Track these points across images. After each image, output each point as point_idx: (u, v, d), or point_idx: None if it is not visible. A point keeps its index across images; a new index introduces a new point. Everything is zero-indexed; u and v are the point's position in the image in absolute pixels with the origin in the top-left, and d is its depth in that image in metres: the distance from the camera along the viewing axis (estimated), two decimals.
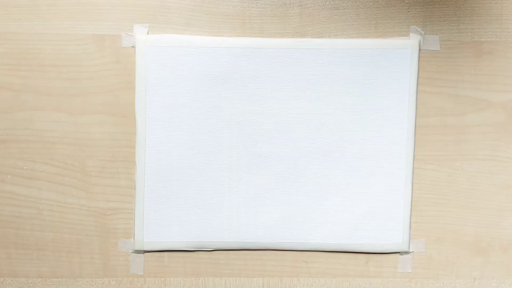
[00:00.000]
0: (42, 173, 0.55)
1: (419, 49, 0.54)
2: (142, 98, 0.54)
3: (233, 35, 0.54)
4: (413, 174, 0.55)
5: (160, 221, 0.55)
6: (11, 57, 0.54)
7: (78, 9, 0.53)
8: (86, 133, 0.54)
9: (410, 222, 0.55)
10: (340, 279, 0.56)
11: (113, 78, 0.54)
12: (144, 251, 0.55)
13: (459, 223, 0.55)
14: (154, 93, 0.54)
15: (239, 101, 0.54)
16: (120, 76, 0.54)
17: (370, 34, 0.54)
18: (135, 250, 0.55)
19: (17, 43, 0.53)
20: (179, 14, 0.54)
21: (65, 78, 0.54)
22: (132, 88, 0.54)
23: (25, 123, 0.54)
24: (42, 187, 0.55)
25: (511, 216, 0.55)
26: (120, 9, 0.53)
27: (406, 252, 0.55)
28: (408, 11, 0.54)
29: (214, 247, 0.55)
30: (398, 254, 0.55)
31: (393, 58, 0.54)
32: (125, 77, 0.54)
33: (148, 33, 0.54)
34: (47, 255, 0.55)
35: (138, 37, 0.53)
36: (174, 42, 0.53)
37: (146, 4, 0.54)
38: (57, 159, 0.54)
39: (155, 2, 0.54)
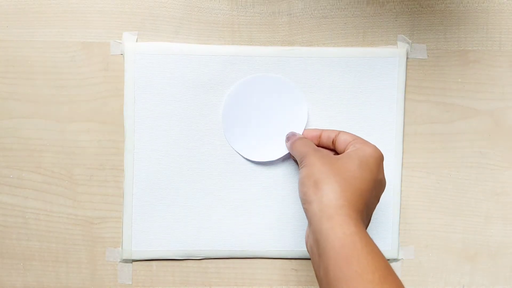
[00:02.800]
0: (29, 182, 0.54)
1: (407, 58, 0.54)
2: (130, 106, 0.53)
3: (222, 43, 0.54)
4: (401, 181, 0.55)
5: (148, 229, 0.54)
6: None
7: (66, 17, 0.53)
8: (74, 141, 0.54)
9: (398, 230, 0.55)
10: None
11: (102, 85, 0.54)
12: (132, 260, 0.55)
13: (447, 230, 0.56)
14: (142, 101, 0.53)
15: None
16: (108, 84, 0.54)
17: (358, 43, 0.55)
18: (123, 259, 0.54)
19: (4, 50, 0.53)
20: (168, 22, 0.54)
21: (53, 86, 0.53)
22: (120, 96, 0.54)
23: (12, 131, 0.54)
24: (29, 196, 0.54)
25: (498, 223, 0.56)
26: (109, 16, 0.53)
27: (395, 260, 0.56)
28: (396, 20, 0.55)
29: (203, 255, 0.55)
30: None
31: (381, 67, 0.54)
32: (114, 84, 0.54)
33: (137, 40, 0.53)
34: (33, 265, 0.54)
35: (127, 44, 0.53)
36: (163, 50, 0.53)
37: (135, 12, 0.54)
38: (44, 167, 0.54)
39: (144, 10, 0.54)
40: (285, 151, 0.53)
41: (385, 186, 0.47)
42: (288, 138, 0.53)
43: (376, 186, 0.45)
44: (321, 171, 0.44)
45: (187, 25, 0.54)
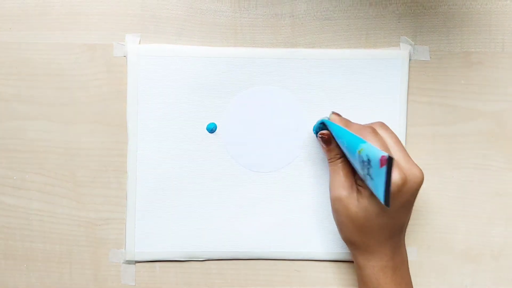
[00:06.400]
0: (32, 183, 0.54)
1: (409, 59, 0.54)
2: (133, 108, 0.53)
3: (225, 45, 0.54)
4: None
5: (152, 231, 0.54)
6: (2, 67, 0.53)
7: (69, 19, 0.53)
8: (77, 142, 0.54)
9: None
10: None
11: (105, 87, 0.54)
12: (135, 261, 0.55)
13: (450, 232, 0.56)
14: (145, 103, 0.53)
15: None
16: (111, 86, 0.54)
17: (361, 45, 0.55)
18: (126, 261, 0.55)
19: (7, 52, 0.53)
20: (171, 24, 0.54)
21: (56, 88, 0.54)
22: (123, 98, 0.54)
23: (15, 132, 0.54)
24: (32, 197, 0.54)
25: (501, 225, 0.56)
26: (112, 18, 0.53)
27: None
28: (399, 22, 0.55)
29: (206, 257, 0.55)
30: None
31: (383, 68, 0.54)
32: (117, 86, 0.54)
33: (140, 42, 0.54)
34: (37, 266, 0.55)
35: (130, 46, 0.53)
36: (166, 52, 0.53)
37: (138, 13, 0.54)
38: (47, 169, 0.54)
39: (147, 12, 0.54)
40: (284, 164, 0.54)
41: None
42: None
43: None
44: None
45: (190, 27, 0.54)
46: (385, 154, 0.42)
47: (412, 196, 0.46)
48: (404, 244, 0.50)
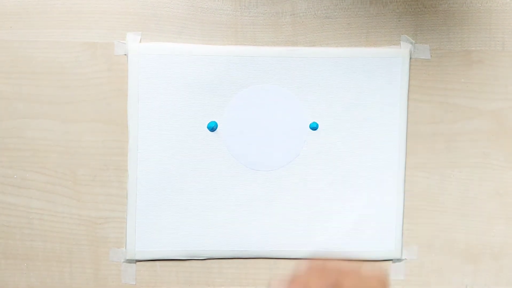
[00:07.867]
0: (33, 182, 0.54)
1: (410, 58, 0.55)
2: (134, 106, 0.53)
3: (226, 44, 0.54)
4: (404, 181, 0.55)
5: (152, 230, 0.54)
6: (2, 65, 0.53)
7: (70, 17, 0.53)
8: (78, 141, 0.54)
9: (402, 230, 0.55)
10: None
11: (105, 86, 0.54)
12: (136, 260, 0.55)
13: (450, 231, 0.56)
14: (146, 101, 0.53)
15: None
16: (112, 84, 0.54)
17: (362, 43, 0.55)
18: (127, 260, 0.55)
19: (8, 50, 0.53)
20: (171, 22, 0.54)
21: (56, 86, 0.54)
22: (124, 96, 0.54)
23: (16, 131, 0.54)
24: (33, 196, 0.54)
25: (501, 224, 0.56)
26: (113, 17, 0.54)
27: (399, 260, 0.56)
28: (399, 21, 0.55)
29: (207, 256, 0.55)
30: (390, 261, 0.56)
31: (384, 67, 0.54)
32: (117, 85, 0.54)
33: (140, 41, 0.54)
34: (37, 265, 0.54)
35: (131, 45, 0.53)
36: (167, 50, 0.53)
37: (139, 12, 0.54)
38: (48, 168, 0.54)
39: (148, 11, 0.54)
40: (285, 162, 0.54)
41: None
42: None
43: None
44: None
45: (191, 26, 0.54)
46: None
47: None
48: None
